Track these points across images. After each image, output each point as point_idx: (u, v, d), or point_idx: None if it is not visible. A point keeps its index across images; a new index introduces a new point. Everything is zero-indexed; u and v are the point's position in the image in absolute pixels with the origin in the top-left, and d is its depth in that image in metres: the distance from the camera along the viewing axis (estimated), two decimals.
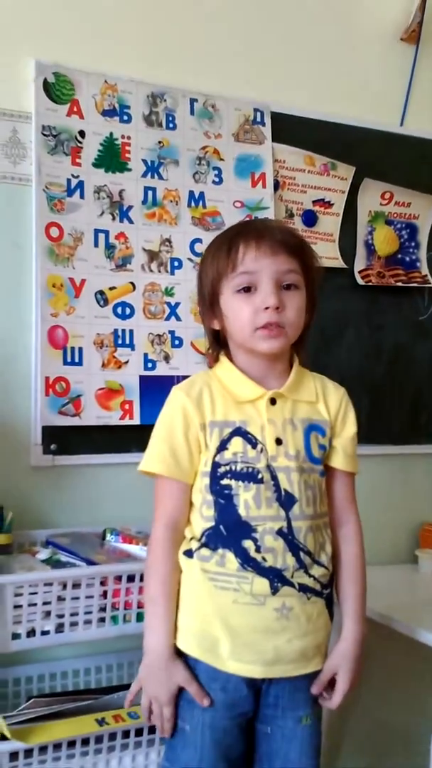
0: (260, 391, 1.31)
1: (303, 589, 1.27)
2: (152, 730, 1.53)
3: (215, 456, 1.28)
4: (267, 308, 1.26)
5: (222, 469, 1.28)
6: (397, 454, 2.22)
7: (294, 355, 1.37)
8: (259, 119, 2.02)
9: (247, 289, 1.27)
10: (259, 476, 1.27)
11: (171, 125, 1.92)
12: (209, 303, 1.33)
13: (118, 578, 1.53)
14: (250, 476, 1.27)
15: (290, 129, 2.06)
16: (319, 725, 1.34)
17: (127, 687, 1.58)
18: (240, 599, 1.25)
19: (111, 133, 1.85)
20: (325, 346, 2.11)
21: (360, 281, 2.15)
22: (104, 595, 1.52)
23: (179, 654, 1.28)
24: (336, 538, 1.37)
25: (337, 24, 2.15)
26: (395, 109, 2.23)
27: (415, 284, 2.22)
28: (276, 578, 1.25)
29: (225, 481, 1.27)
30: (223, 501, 1.27)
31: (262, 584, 1.25)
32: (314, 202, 2.09)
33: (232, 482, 1.27)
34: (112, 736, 1.50)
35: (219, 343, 1.38)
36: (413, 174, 2.22)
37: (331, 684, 1.33)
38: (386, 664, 2.08)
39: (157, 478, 1.32)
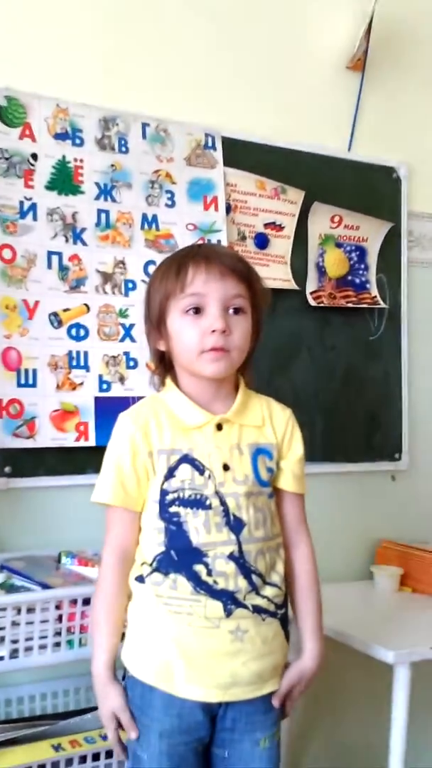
0: (207, 417, 1.32)
1: (257, 610, 1.28)
2: (109, 754, 1.52)
3: (163, 483, 1.29)
4: (214, 331, 1.27)
5: (170, 497, 1.28)
6: (353, 472, 2.24)
7: (240, 378, 1.38)
8: (210, 144, 2.05)
9: (195, 311, 1.29)
10: (207, 502, 1.28)
11: (123, 149, 1.94)
12: (156, 323, 1.34)
13: (74, 602, 1.52)
14: (198, 503, 1.28)
15: (241, 154, 2.09)
16: (278, 747, 1.34)
17: (83, 712, 1.58)
18: (194, 623, 1.25)
19: (63, 156, 1.86)
20: (278, 367, 2.13)
21: (312, 302, 2.18)
22: (59, 619, 1.50)
23: (125, 678, 1.29)
24: (289, 559, 1.39)
25: (286, 52, 2.20)
26: (343, 135, 2.28)
27: (365, 305, 2.27)
28: (229, 600, 1.26)
29: (173, 509, 1.28)
30: (174, 527, 1.28)
31: (216, 607, 1.25)
32: (266, 225, 2.13)
33: (181, 509, 1.28)
34: (69, 762, 1.48)
35: (164, 365, 1.38)
36: (361, 198, 2.27)
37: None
38: (343, 681, 2.10)
39: (107, 506, 1.32)
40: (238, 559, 1.27)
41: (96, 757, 1.51)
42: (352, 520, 2.24)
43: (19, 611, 1.46)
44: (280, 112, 2.19)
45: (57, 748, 1.48)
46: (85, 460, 1.80)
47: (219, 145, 2.06)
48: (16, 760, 1.43)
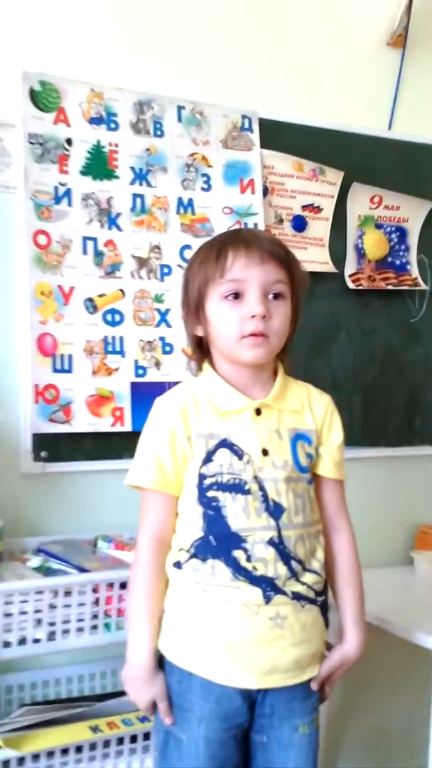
0: (245, 402, 1.30)
1: (296, 597, 1.27)
2: (147, 736, 1.53)
3: (201, 467, 1.28)
4: (254, 316, 1.26)
5: (208, 481, 1.27)
6: (392, 456, 2.21)
7: (279, 364, 1.37)
8: (246, 126, 2.03)
9: (235, 296, 1.27)
10: (246, 487, 1.26)
11: (158, 132, 1.93)
12: (194, 308, 1.33)
13: (110, 585, 1.53)
14: (237, 487, 1.26)
15: (278, 135, 2.06)
16: (317, 733, 1.33)
17: (120, 694, 1.59)
18: (233, 609, 1.24)
19: (98, 141, 1.86)
20: (317, 350, 2.11)
21: (351, 285, 2.15)
22: (96, 602, 1.52)
23: (162, 664, 1.29)
24: (329, 545, 1.37)
25: (323, 30, 2.16)
26: (383, 114, 2.23)
27: (405, 287, 2.22)
28: (268, 587, 1.24)
29: (212, 493, 1.27)
30: (212, 512, 1.27)
31: (255, 593, 1.24)
32: (304, 207, 2.10)
33: (219, 494, 1.27)
34: (106, 744, 1.50)
35: (202, 351, 1.37)
36: (402, 178, 2.22)
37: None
38: (384, 667, 2.08)
39: (143, 490, 1.32)
40: (278, 545, 1.26)
41: (134, 739, 1.53)
42: (392, 505, 2.21)
43: (56, 594, 1.48)
44: (318, 92, 2.15)
45: (95, 729, 1.50)
46: (121, 445, 1.80)
47: (256, 126, 2.04)
48: (55, 741, 1.45)
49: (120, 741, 1.51)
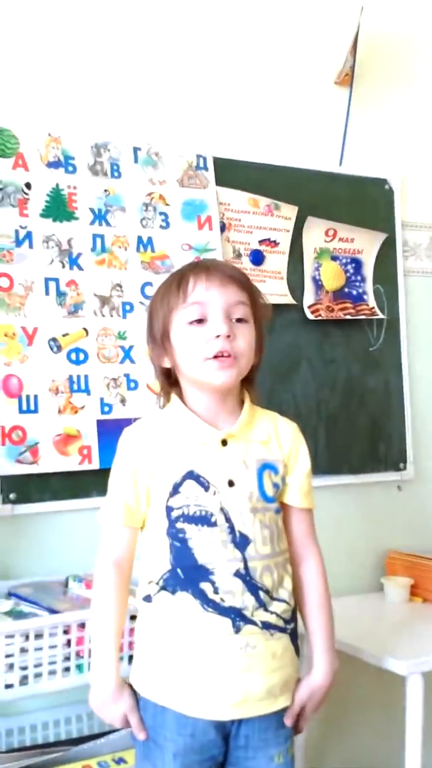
0: (212, 433, 1.32)
1: (266, 626, 1.28)
2: None
3: (168, 500, 1.29)
4: (218, 336, 1.28)
5: (175, 513, 1.29)
6: (357, 484, 2.24)
7: (244, 394, 1.39)
8: (201, 165, 2.07)
9: (199, 321, 1.29)
10: (213, 519, 1.28)
11: (116, 174, 1.96)
12: (160, 339, 1.35)
13: (82, 626, 1.51)
14: (203, 519, 1.28)
15: (233, 173, 2.11)
16: (293, 763, 1.34)
17: (96, 737, 1.57)
18: (202, 641, 1.25)
19: (57, 184, 1.88)
20: (280, 381, 2.14)
21: (310, 316, 2.19)
22: (68, 643, 1.50)
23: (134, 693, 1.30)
24: (298, 574, 1.39)
25: (273, 70, 2.22)
26: (334, 150, 2.30)
27: (363, 316, 2.27)
28: (237, 617, 1.26)
29: (179, 525, 1.28)
30: (179, 544, 1.28)
31: (224, 624, 1.25)
32: (261, 242, 2.14)
33: (185, 525, 1.28)
34: None
35: (170, 383, 1.39)
36: (355, 210, 2.28)
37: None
38: (357, 694, 2.09)
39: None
40: (244, 576, 1.27)
41: None
42: (360, 532, 2.23)
43: (27, 637, 1.46)
44: (270, 131, 2.21)
45: None
46: (89, 484, 1.80)
47: (210, 165, 2.08)
48: None
49: None
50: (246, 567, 1.27)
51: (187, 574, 1.27)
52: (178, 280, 1.33)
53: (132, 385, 1.91)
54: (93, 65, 1.98)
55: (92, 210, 1.92)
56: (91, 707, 1.31)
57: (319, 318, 2.21)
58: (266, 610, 1.28)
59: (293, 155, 2.22)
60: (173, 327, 1.32)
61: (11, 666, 1.44)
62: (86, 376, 1.87)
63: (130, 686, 1.31)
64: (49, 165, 1.88)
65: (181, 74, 2.09)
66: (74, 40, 1.96)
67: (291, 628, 1.33)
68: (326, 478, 2.12)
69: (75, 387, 1.85)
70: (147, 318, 1.39)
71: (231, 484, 1.30)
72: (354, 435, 2.25)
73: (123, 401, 1.90)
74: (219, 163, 2.09)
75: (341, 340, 2.25)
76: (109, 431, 1.84)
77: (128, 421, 1.81)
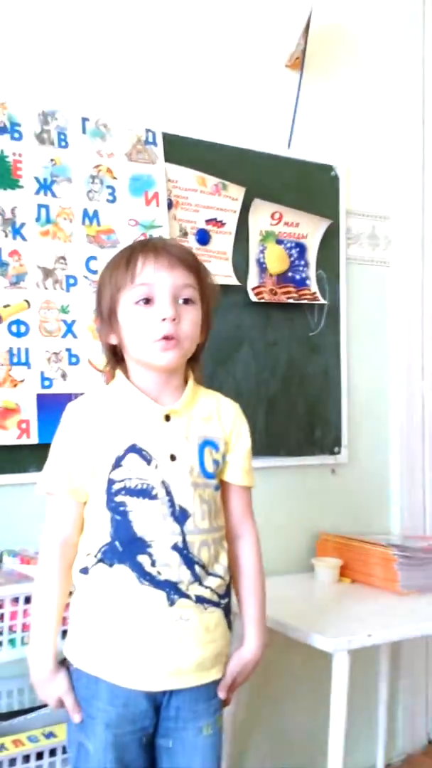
0: (155, 408, 1.33)
1: (200, 600, 1.30)
2: (53, 752, 1.52)
3: (110, 473, 1.30)
4: (164, 319, 1.29)
5: (117, 486, 1.29)
6: (293, 466, 2.28)
7: (189, 372, 1.40)
8: (151, 140, 2.05)
9: (146, 302, 1.30)
10: (154, 492, 1.29)
11: (63, 143, 1.92)
12: (107, 316, 1.35)
13: (15, 600, 1.51)
14: (144, 492, 1.29)
15: (182, 150, 2.09)
16: (221, 734, 1.37)
17: (27, 711, 1.57)
18: (137, 613, 1.26)
19: (2, 150, 1.84)
20: (221, 361, 2.15)
21: (253, 298, 2.20)
22: (1, 618, 1.49)
23: (63, 663, 1.31)
24: (234, 550, 1.41)
25: (225, 49, 2.21)
26: (282, 133, 2.30)
27: (305, 301, 2.30)
28: (172, 590, 1.27)
29: (120, 498, 1.29)
30: (119, 517, 1.29)
31: (159, 597, 1.26)
32: (207, 221, 2.14)
33: (127, 498, 1.29)
34: (12, 762, 1.47)
35: (116, 359, 1.39)
36: (301, 195, 2.30)
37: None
38: (285, 671, 2.14)
39: (51, 494, 1.32)
40: (182, 550, 1.28)
41: (39, 756, 1.51)
42: (294, 514, 2.27)
43: None
44: (220, 110, 2.20)
45: (0, 747, 1.47)
46: (27, 458, 1.78)
47: (160, 140, 2.06)
48: None
49: (26, 758, 1.49)
50: (184, 541, 1.29)
51: (125, 546, 1.28)
52: (127, 260, 1.32)
53: (73, 360, 1.89)
54: (44, 31, 1.93)
55: (37, 179, 1.88)
56: (32, 683, 1.32)
57: (263, 301, 2.22)
58: (201, 584, 1.30)
59: (243, 135, 2.22)
60: (120, 306, 1.33)
61: None
62: (27, 350, 1.83)
63: (66, 668, 1.31)
64: None
65: (134, 47, 2.06)
66: (27, 5, 1.91)
67: (225, 603, 1.35)
68: (263, 460, 2.13)
69: (15, 360, 1.82)
70: (95, 293, 1.40)
71: (173, 458, 1.31)
72: (292, 418, 2.28)
73: (64, 376, 1.87)
74: (168, 139, 2.07)
75: (283, 323, 2.27)
76: (50, 406, 1.82)
77: (69, 396, 1.82)
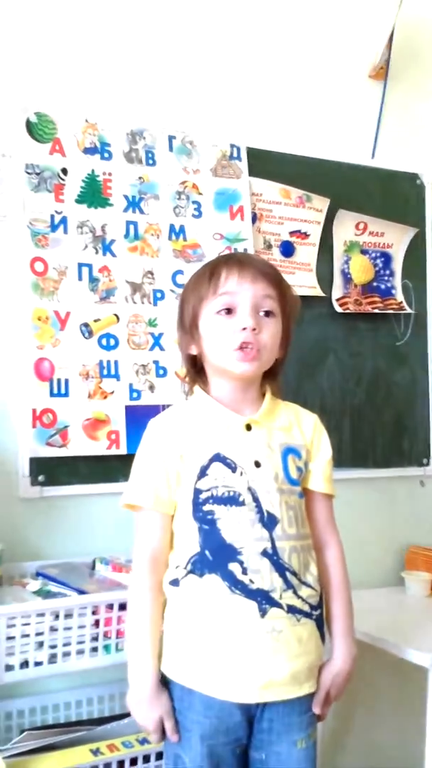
0: (236, 418, 1.34)
1: (292, 610, 1.29)
2: (147, 759, 1.54)
3: (196, 483, 1.31)
4: (244, 329, 1.30)
5: (203, 495, 1.30)
6: (380, 478, 2.25)
7: (266, 386, 1.41)
8: (235, 155, 2.08)
9: (228, 312, 1.32)
10: (241, 498, 1.29)
11: (150, 161, 1.97)
12: (189, 327, 1.37)
13: (110, 607, 1.54)
14: (231, 500, 1.29)
15: (266, 164, 2.12)
16: (315, 748, 1.35)
17: (120, 717, 1.59)
18: (229, 624, 1.26)
19: (92, 170, 1.90)
20: (307, 373, 2.15)
21: (338, 309, 2.20)
22: (96, 624, 1.53)
23: (165, 683, 1.30)
24: (319, 560, 1.39)
25: (308, 62, 2.22)
26: (366, 143, 2.30)
27: (391, 311, 2.28)
28: (264, 600, 1.26)
29: (207, 507, 1.30)
30: (207, 527, 1.29)
31: (251, 607, 1.26)
32: (291, 233, 2.15)
33: (214, 507, 1.29)
34: (107, 766, 1.50)
35: (196, 370, 1.41)
36: (386, 205, 2.29)
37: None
38: (377, 686, 2.10)
39: (138, 510, 1.34)
40: (272, 556, 1.28)
41: (134, 761, 1.52)
42: (382, 526, 2.24)
43: (57, 617, 1.48)
44: (303, 122, 2.21)
45: (96, 752, 1.49)
46: (116, 468, 1.82)
47: (244, 155, 2.09)
48: (56, 765, 1.45)
49: (121, 764, 1.51)
50: (273, 546, 1.28)
51: (215, 555, 1.28)
52: (211, 271, 1.35)
53: (161, 372, 1.93)
54: (132, 53, 1.99)
55: (126, 197, 1.93)
56: (128, 706, 1.31)
57: (348, 311, 2.21)
58: (294, 593, 1.29)
59: (326, 147, 2.22)
60: (202, 316, 1.34)
61: (41, 644, 1.46)
62: (116, 362, 1.88)
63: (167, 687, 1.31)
64: (86, 151, 1.90)
65: (218, 64, 2.10)
66: (114, 28, 1.97)
67: (317, 614, 1.34)
68: (350, 471, 2.13)
69: (105, 372, 1.86)
70: (178, 306, 1.42)
71: (257, 464, 1.32)
72: (378, 429, 2.25)
73: (152, 388, 1.91)
74: (252, 153, 2.10)
75: (368, 333, 2.26)
76: (138, 417, 1.85)
77: (156, 408, 1.85)
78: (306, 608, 1.31)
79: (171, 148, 2.00)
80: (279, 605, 1.28)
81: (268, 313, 1.33)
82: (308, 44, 2.23)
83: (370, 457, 2.24)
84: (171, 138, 2.00)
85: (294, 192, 2.15)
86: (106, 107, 1.94)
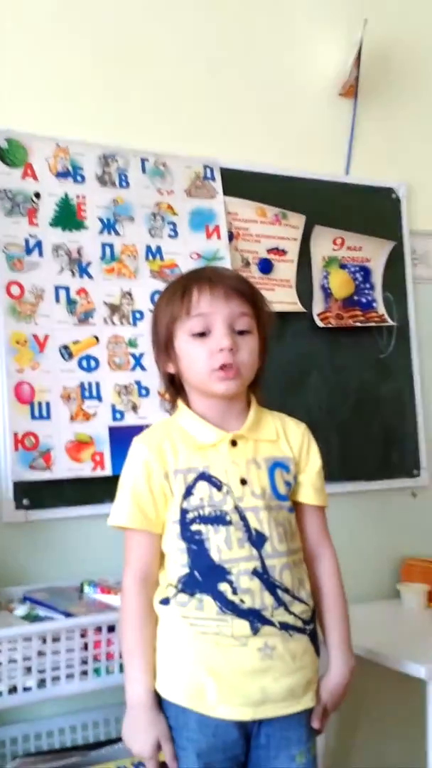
0: (220, 435, 1.32)
1: (284, 627, 1.27)
2: None
3: (182, 503, 1.29)
4: (221, 350, 1.29)
5: (190, 515, 1.29)
6: (372, 490, 2.23)
7: (251, 396, 1.39)
8: (209, 175, 2.10)
9: (202, 335, 1.30)
10: (228, 518, 1.28)
11: (124, 184, 1.98)
12: (164, 346, 1.36)
13: (98, 629, 1.51)
14: (218, 519, 1.28)
15: (241, 183, 2.13)
16: (315, 762, 1.32)
17: (114, 742, 1.55)
18: (221, 642, 1.24)
19: (66, 194, 1.90)
20: (291, 390, 2.13)
21: (319, 323, 2.20)
22: (85, 647, 1.49)
23: (160, 705, 1.27)
24: (313, 573, 1.38)
25: (279, 81, 2.25)
26: (340, 159, 2.32)
27: (373, 324, 2.28)
28: (255, 619, 1.25)
29: (195, 527, 1.28)
30: (195, 546, 1.27)
31: (242, 626, 1.24)
32: (269, 251, 2.16)
33: (202, 527, 1.28)
34: None
35: (175, 387, 1.40)
36: (362, 219, 2.30)
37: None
38: (376, 700, 2.06)
39: (126, 530, 1.32)
40: (262, 575, 1.26)
41: None
42: (375, 539, 2.22)
43: (44, 641, 1.45)
44: (276, 141, 2.23)
45: None
46: (102, 490, 1.78)
47: (218, 175, 2.10)
48: None
49: None
50: (263, 565, 1.27)
51: (204, 576, 1.26)
52: (182, 290, 1.33)
53: (143, 392, 1.92)
54: (100, 76, 2.01)
55: (101, 219, 1.94)
56: (123, 737, 1.27)
57: (329, 326, 2.21)
58: (286, 610, 1.27)
59: (300, 165, 2.24)
60: (177, 336, 1.34)
61: (29, 669, 1.43)
62: (98, 383, 1.87)
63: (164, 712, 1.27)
64: (58, 175, 1.91)
65: (188, 85, 2.12)
66: (82, 51, 1.99)
67: (310, 629, 1.32)
68: (340, 485, 2.10)
69: (87, 394, 1.85)
70: (151, 324, 1.41)
71: (243, 482, 1.30)
72: (367, 442, 2.24)
73: (134, 408, 1.90)
74: (226, 173, 2.11)
75: (351, 347, 2.25)
76: (122, 438, 1.84)
77: (140, 428, 1.81)
78: (299, 624, 1.29)
79: (144, 170, 2.01)
80: (271, 623, 1.26)
81: (243, 332, 1.32)
82: (277, 64, 2.25)
83: (360, 471, 2.21)
84: (144, 160, 2.02)
85: (270, 210, 2.16)
86: (77, 131, 1.94)
